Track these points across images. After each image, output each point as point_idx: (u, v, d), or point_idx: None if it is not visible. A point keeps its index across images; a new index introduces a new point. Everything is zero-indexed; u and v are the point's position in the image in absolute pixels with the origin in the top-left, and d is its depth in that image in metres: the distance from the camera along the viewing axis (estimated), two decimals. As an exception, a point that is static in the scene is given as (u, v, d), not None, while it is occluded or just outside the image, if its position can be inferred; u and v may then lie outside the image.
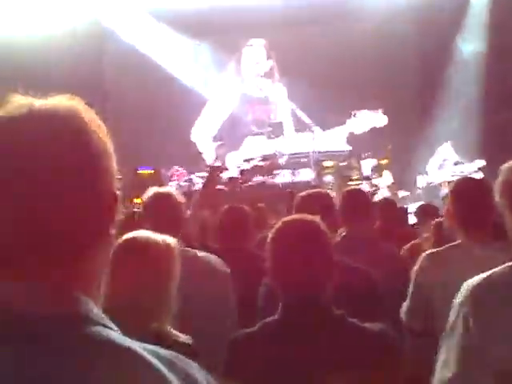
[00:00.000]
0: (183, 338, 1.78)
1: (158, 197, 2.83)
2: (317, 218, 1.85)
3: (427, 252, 2.74)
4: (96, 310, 0.85)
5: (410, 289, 2.68)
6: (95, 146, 0.86)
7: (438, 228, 4.46)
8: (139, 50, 12.99)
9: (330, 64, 12.29)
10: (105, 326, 0.84)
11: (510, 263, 1.63)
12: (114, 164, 0.90)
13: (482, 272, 1.70)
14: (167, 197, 2.83)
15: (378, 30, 12.22)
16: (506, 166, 1.76)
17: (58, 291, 0.82)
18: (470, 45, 12.09)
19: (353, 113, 12.15)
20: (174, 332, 1.78)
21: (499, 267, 1.64)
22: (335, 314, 1.74)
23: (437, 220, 3.95)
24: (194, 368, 0.85)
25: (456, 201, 2.66)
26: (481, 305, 1.59)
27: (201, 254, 2.90)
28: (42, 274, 0.82)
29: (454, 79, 11.98)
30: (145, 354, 0.80)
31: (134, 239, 1.85)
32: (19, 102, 0.86)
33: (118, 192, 0.91)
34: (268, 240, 1.80)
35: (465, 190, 2.68)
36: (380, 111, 12.01)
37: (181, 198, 2.90)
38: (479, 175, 10.26)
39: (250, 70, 13.64)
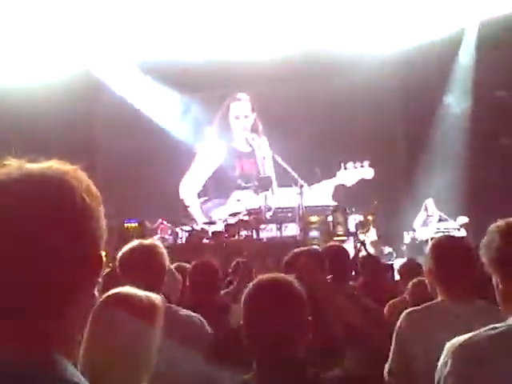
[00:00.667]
0: None
1: (134, 249, 2.69)
2: (291, 277, 1.85)
3: (407, 311, 2.71)
4: (71, 370, 0.86)
5: (392, 348, 2.66)
6: (80, 212, 0.90)
7: (419, 286, 4.49)
8: (130, 102, 13.19)
9: (315, 118, 12.52)
10: None
11: (492, 325, 1.65)
12: (101, 226, 0.94)
13: (463, 330, 1.72)
14: (146, 248, 2.67)
15: (363, 85, 12.51)
16: (491, 228, 1.78)
17: (33, 351, 0.84)
18: (455, 102, 12.37)
19: (342, 165, 12.33)
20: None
21: (481, 329, 1.66)
22: (309, 373, 1.73)
23: (419, 278, 3.96)
24: None
25: (435, 259, 2.67)
26: (461, 368, 1.61)
27: (183, 312, 2.82)
28: (18, 333, 0.84)
29: (439, 135, 12.20)
30: None
31: (115, 296, 1.80)
32: (11, 165, 0.92)
33: (102, 253, 0.94)
34: (242, 300, 1.81)
35: (444, 248, 2.69)
36: (367, 163, 12.21)
37: (162, 250, 2.72)
38: (462, 233, 10.34)
39: (238, 124, 13.82)
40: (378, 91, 12.60)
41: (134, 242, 2.73)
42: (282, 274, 1.89)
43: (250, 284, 1.82)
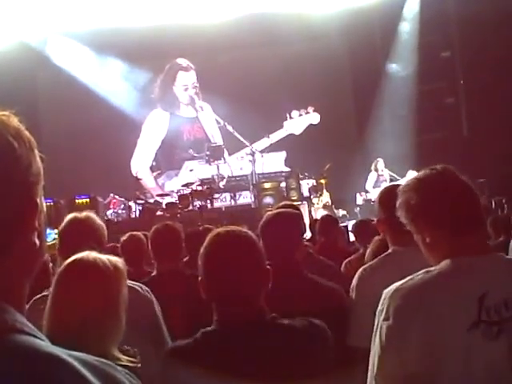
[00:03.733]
0: (129, 360, 1.75)
1: (72, 222, 2.57)
2: (245, 228, 1.88)
3: (362, 267, 2.72)
4: (20, 319, 0.84)
5: (352, 307, 2.61)
6: (13, 154, 0.86)
7: (377, 244, 4.55)
8: (74, 75, 12.84)
9: (258, 82, 12.46)
10: (29, 334, 0.83)
11: (426, 269, 1.69)
12: (34, 171, 0.90)
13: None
14: (82, 221, 2.56)
15: (308, 47, 12.54)
16: (403, 188, 1.83)
17: None
18: (401, 62, 12.51)
19: (288, 115, 12.40)
20: (120, 356, 1.74)
21: (415, 274, 1.69)
22: (267, 318, 1.76)
23: (376, 237, 4.01)
24: (118, 372, 0.85)
25: (383, 208, 2.68)
26: (396, 313, 1.64)
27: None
28: None
29: (386, 95, 12.34)
30: (68, 358, 0.81)
31: (80, 260, 1.78)
32: None
33: (38, 200, 0.90)
34: (200, 253, 1.80)
35: (390, 196, 2.74)
36: (311, 109, 12.32)
37: (98, 222, 2.65)
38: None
39: (185, 94, 13.65)
40: (324, 52, 12.63)
41: (70, 215, 2.62)
42: (236, 227, 1.90)
43: (207, 237, 1.81)
